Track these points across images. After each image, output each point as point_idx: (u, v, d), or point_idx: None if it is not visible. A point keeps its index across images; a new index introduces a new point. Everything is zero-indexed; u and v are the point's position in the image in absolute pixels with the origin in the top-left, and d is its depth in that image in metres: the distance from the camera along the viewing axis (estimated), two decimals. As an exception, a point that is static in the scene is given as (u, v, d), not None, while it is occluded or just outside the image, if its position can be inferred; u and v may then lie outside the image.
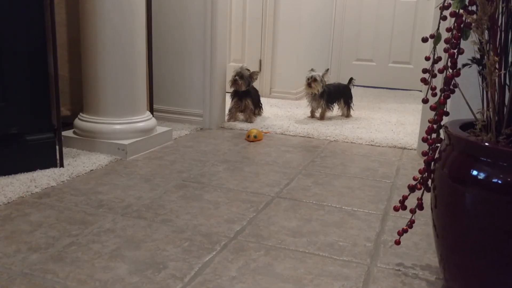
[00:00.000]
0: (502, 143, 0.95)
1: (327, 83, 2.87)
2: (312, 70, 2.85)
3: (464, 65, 1.04)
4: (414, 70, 4.25)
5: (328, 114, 2.95)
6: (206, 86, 2.58)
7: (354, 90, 3.09)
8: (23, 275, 1.09)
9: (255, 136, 2.36)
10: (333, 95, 2.91)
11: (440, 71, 1.05)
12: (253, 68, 3.61)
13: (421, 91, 4.11)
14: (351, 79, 3.06)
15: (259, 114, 2.91)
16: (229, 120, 2.75)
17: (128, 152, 1.98)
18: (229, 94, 2.77)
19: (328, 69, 2.90)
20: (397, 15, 4.26)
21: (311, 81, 2.79)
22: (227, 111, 2.77)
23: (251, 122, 2.74)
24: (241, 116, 2.78)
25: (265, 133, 2.52)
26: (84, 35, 1.98)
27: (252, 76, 2.72)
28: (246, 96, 2.72)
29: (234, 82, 2.68)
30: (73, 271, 1.11)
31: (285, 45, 3.62)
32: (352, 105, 3.01)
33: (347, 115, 2.99)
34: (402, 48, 4.30)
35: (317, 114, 2.93)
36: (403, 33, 4.26)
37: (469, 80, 1.17)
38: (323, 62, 4.25)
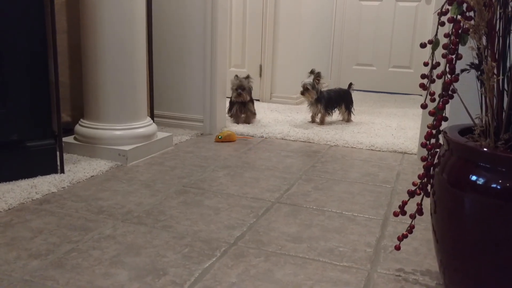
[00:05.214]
0: (501, 148, 0.95)
1: (327, 87, 2.87)
2: (311, 72, 2.84)
3: (462, 71, 1.05)
4: (414, 74, 4.25)
5: (328, 119, 2.95)
6: (206, 91, 2.58)
7: (354, 95, 3.10)
8: (24, 281, 1.09)
9: (219, 137, 2.41)
10: (333, 100, 2.91)
11: (439, 77, 1.06)
12: (254, 73, 3.63)
13: (421, 95, 4.12)
14: (350, 84, 3.06)
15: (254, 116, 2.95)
16: (233, 122, 2.83)
17: (128, 158, 1.98)
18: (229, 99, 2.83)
19: (319, 73, 2.84)
20: (397, 19, 4.27)
21: (303, 90, 2.81)
22: (227, 115, 2.81)
23: (249, 123, 2.83)
24: (242, 116, 2.87)
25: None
26: (85, 41, 1.99)
27: (249, 83, 2.80)
28: (247, 101, 2.82)
29: (239, 95, 2.75)
30: (73, 277, 1.11)
31: (285, 50, 3.63)
32: (353, 110, 3.02)
33: (348, 120, 3.00)
34: (402, 53, 4.31)
35: (318, 119, 2.94)
36: (403, 38, 4.27)
37: (468, 85, 1.17)
38: (323, 66, 4.26)
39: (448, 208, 0.99)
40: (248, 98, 2.79)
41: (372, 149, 2.38)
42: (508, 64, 0.99)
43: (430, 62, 1.08)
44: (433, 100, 1.08)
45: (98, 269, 1.15)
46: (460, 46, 1.02)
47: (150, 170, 1.92)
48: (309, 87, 2.79)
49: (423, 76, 1.09)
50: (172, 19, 2.58)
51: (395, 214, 1.16)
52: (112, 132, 2.02)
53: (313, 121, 2.94)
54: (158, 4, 2.57)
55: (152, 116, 2.34)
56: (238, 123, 2.83)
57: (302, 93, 2.83)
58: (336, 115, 3.00)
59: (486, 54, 0.97)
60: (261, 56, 3.70)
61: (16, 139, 1.69)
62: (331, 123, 2.94)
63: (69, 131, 2.14)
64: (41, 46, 1.69)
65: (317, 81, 2.81)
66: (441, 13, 1.03)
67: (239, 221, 1.46)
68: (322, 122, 2.90)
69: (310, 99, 2.83)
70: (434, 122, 1.07)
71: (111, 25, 1.94)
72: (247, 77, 2.81)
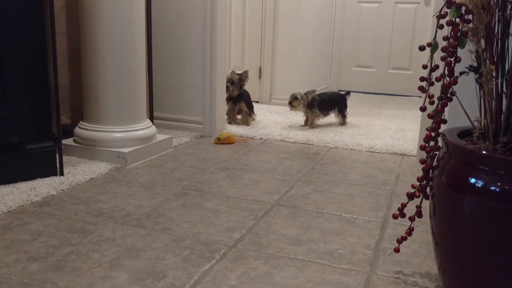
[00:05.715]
0: (500, 151, 0.95)
1: (327, 89, 2.86)
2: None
3: (461, 73, 1.05)
4: (413, 76, 4.26)
5: (320, 121, 2.91)
6: (206, 93, 2.59)
7: (353, 96, 3.11)
8: (23, 284, 1.09)
9: (219, 139, 2.41)
10: (326, 103, 2.88)
11: (438, 79, 1.06)
12: (254, 75, 3.64)
13: (420, 97, 4.12)
14: (348, 92, 3.07)
15: (252, 117, 2.92)
16: (229, 123, 2.85)
17: (128, 160, 1.98)
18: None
19: (314, 90, 2.83)
20: (396, 21, 4.28)
21: (291, 100, 2.77)
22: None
23: (247, 125, 2.83)
24: (238, 117, 2.88)
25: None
26: (84, 43, 1.99)
27: (242, 79, 2.81)
28: (240, 99, 2.84)
29: (226, 88, 2.77)
30: (73, 280, 1.11)
31: (285, 52, 3.63)
32: (346, 113, 2.99)
33: (343, 123, 2.97)
34: (401, 54, 4.31)
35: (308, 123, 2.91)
36: (402, 39, 4.28)
37: (467, 88, 1.17)
38: (323, 68, 4.26)
39: (447, 210, 0.99)
40: (236, 93, 2.79)
41: (371, 151, 2.38)
42: (506, 67, 0.99)
43: (429, 64, 1.08)
44: (432, 103, 1.08)
45: (97, 272, 1.15)
46: (459, 49, 1.02)
47: (149, 173, 1.92)
48: (298, 96, 2.75)
49: (422, 79, 1.10)
50: (171, 20, 2.58)
51: (395, 217, 1.16)
52: (112, 134, 2.02)
53: (305, 124, 2.90)
54: (158, 5, 2.57)
55: (151, 118, 2.35)
56: (231, 123, 2.84)
57: (291, 103, 2.77)
58: (333, 117, 2.99)
59: (484, 57, 0.97)
60: (261, 58, 3.70)
61: (16, 141, 1.69)
62: (330, 124, 2.94)
63: (69, 133, 2.14)
64: (40, 48, 1.69)
65: (308, 93, 2.78)
66: (440, 16, 1.03)
67: (238, 224, 1.46)
68: (310, 125, 2.85)
69: (299, 110, 2.79)
70: (433, 125, 1.07)
71: (111, 26, 1.94)
72: (245, 73, 2.83)
